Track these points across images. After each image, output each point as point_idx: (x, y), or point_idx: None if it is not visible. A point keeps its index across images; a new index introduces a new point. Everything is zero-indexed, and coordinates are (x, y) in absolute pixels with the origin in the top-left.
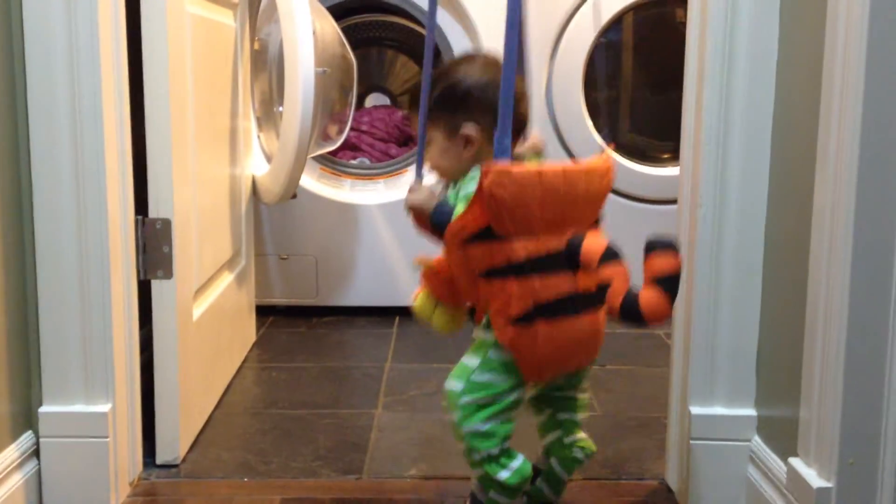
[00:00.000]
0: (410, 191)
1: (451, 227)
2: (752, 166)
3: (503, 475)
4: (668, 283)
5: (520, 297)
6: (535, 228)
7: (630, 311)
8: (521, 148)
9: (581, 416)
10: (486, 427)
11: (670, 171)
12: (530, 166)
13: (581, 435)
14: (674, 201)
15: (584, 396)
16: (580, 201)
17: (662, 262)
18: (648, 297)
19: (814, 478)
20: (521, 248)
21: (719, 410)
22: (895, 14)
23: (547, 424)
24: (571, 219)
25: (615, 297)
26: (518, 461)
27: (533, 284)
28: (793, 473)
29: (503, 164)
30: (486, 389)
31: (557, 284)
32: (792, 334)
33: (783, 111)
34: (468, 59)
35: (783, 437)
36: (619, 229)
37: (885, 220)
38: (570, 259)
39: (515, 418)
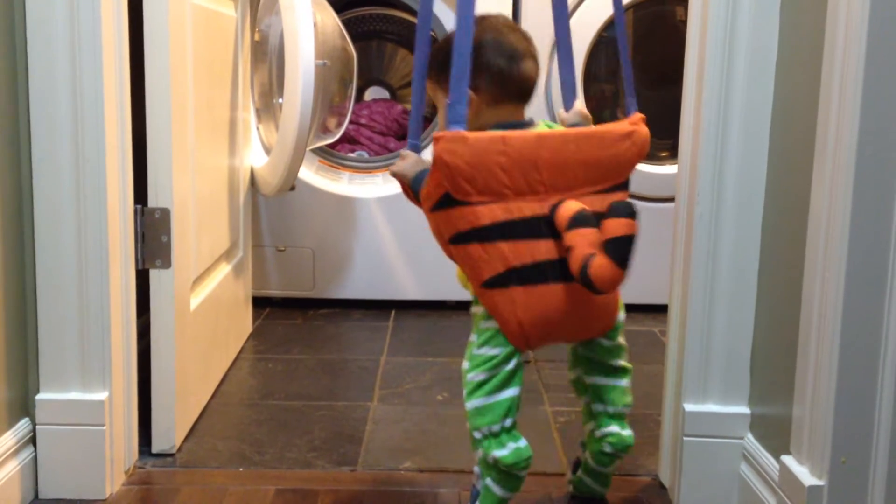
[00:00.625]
0: (400, 158)
1: (421, 194)
2: (750, 166)
3: (499, 452)
4: (616, 246)
5: (487, 262)
6: (504, 193)
7: (584, 277)
8: (566, 115)
9: (616, 408)
10: (486, 402)
11: (668, 168)
12: (502, 132)
13: (612, 428)
14: (672, 199)
15: (621, 384)
16: (570, 166)
17: (613, 226)
18: (598, 263)
19: (806, 476)
20: (486, 214)
21: (713, 408)
22: (894, 14)
23: (585, 414)
24: (558, 184)
25: (574, 262)
26: (519, 443)
27: (501, 249)
28: (785, 471)
29: (456, 132)
30: (485, 363)
31: (532, 250)
32: (786, 333)
33: (782, 111)
34: (476, 20)
35: (776, 434)
36: None
37: (881, 220)
38: (551, 225)
39: (518, 388)
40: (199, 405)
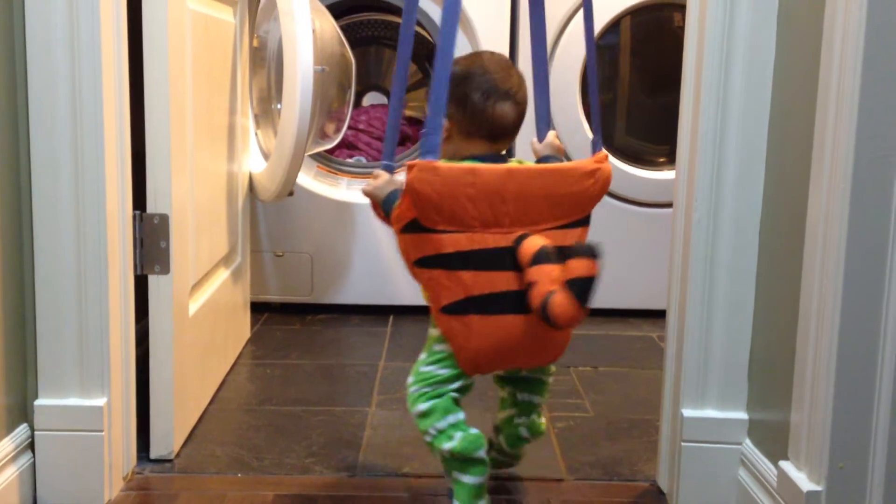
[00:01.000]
0: (373, 177)
1: (392, 215)
2: (748, 172)
3: (448, 445)
4: (578, 286)
5: (447, 289)
6: (470, 223)
7: (544, 313)
8: (539, 146)
9: (541, 399)
10: (428, 406)
11: (666, 174)
12: (471, 164)
13: (532, 417)
14: (669, 205)
15: (548, 380)
16: (535, 201)
17: (576, 266)
18: (559, 300)
19: (804, 481)
20: (450, 242)
21: (711, 413)
22: (891, 22)
23: (505, 402)
24: (523, 218)
25: (536, 298)
26: (468, 430)
27: (462, 278)
28: (783, 477)
29: (429, 161)
30: (429, 379)
31: (492, 281)
32: (784, 339)
33: (779, 117)
34: (469, 54)
35: (774, 440)
36: (615, 232)
37: (878, 226)
38: (514, 257)
39: (460, 401)
40: (197, 410)
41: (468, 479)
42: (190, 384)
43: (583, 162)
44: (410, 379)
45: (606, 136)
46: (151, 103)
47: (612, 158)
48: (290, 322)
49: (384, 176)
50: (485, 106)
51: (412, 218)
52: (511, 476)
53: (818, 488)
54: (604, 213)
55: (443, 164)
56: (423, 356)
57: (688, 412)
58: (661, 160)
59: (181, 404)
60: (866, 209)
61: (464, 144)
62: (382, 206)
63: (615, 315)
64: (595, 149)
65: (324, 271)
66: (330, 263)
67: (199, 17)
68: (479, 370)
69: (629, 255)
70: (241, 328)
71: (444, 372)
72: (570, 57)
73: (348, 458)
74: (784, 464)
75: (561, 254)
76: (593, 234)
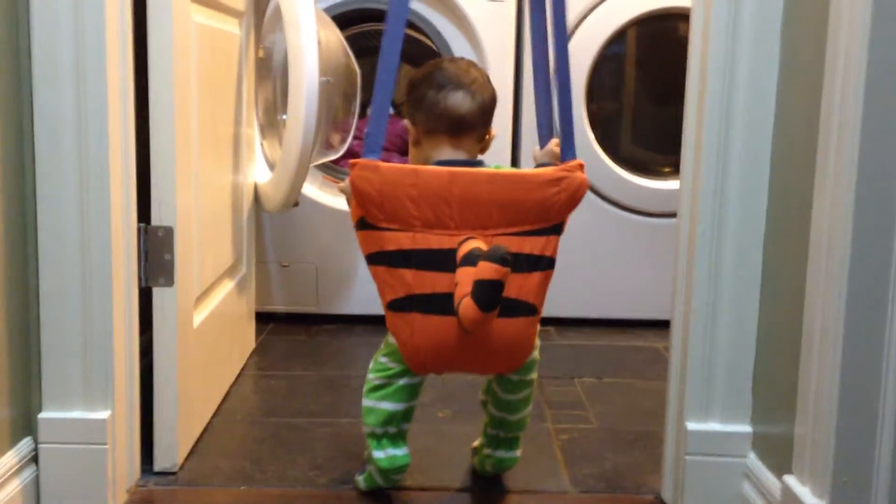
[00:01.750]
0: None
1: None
2: (752, 183)
3: (377, 454)
4: (480, 289)
5: (390, 286)
6: (411, 223)
7: (457, 315)
8: (539, 153)
9: (507, 434)
10: (374, 405)
11: (672, 184)
12: (416, 166)
13: (499, 453)
14: (674, 215)
15: (519, 415)
16: (482, 205)
17: (482, 269)
18: (465, 303)
19: (808, 496)
20: (392, 240)
21: (715, 426)
22: (894, 32)
23: (482, 429)
24: (470, 221)
25: (455, 298)
26: (397, 451)
27: (404, 276)
28: (787, 491)
29: (370, 160)
30: (383, 371)
31: (434, 281)
32: (788, 352)
33: (783, 128)
34: (430, 62)
35: (778, 454)
36: (620, 242)
37: (882, 239)
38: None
39: (407, 405)
40: (201, 423)
41: (379, 480)
42: (194, 396)
43: (547, 169)
44: (371, 364)
45: (612, 146)
46: (156, 116)
47: (617, 168)
48: (296, 332)
49: None
50: (437, 98)
51: (361, 215)
52: (514, 489)
53: (822, 503)
54: (609, 223)
55: (385, 163)
56: (382, 346)
57: (692, 425)
58: (667, 170)
59: (185, 417)
60: (870, 221)
61: (431, 149)
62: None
63: (620, 325)
64: (565, 157)
65: (329, 281)
66: (335, 274)
67: (204, 29)
68: (426, 369)
69: (635, 265)
70: (246, 339)
71: (394, 366)
72: (574, 66)
73: (353, 471)
74: (788, 478)
75: (526, 259)
76: (599, 244)
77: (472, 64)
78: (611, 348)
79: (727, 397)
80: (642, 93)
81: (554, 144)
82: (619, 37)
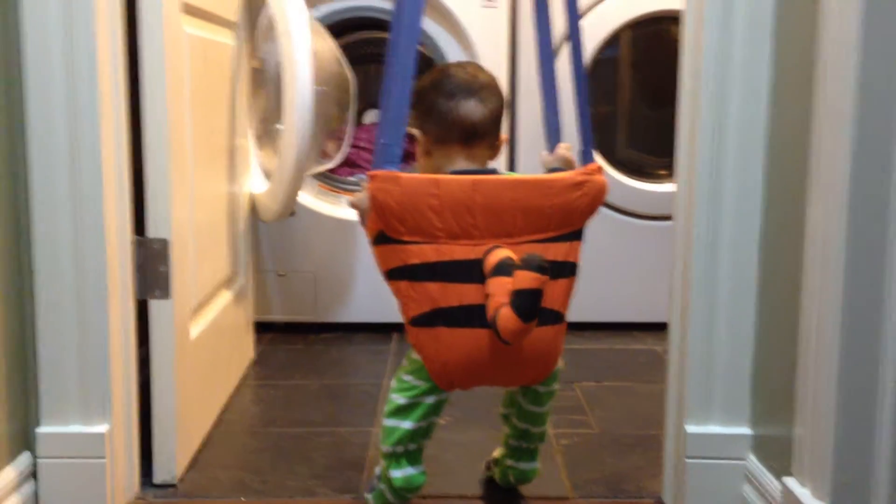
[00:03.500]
0: (362, 189)
1: (366, 228)
2: (747, 185)
3: (393, 473)
4: (517, 299)
5: (415, 300)
6: (435, 235)
7: (494, 327)
8: (549, 157)
9: (529, 445)
10: (398, 425)
11: (668, 187)
12: (436, 175)
13: (522, 464)
14: (671, 217)
15: (542, 428)
16: (507, 213)
17: (520, 278)
18: (504, 314)
19: (808, 497)
20: (416, 253)
21: (715, 429)
22: (885, 38)
23: (503, 440)
24: (495, 230)
25: (489, 310)
26: (415, 469)
27: (429, 290)
28: (787, 493)
29: (389, 171)
30: (408, 390)
31: (460, 293)
32: (787, 353)
33: (777, 131)
34: (436, 68)
35: (778, 456)
36: (617, 245)
37: (877, 240)
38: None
39: (429, 422)
40: (200, 434)
41: (391, 498)
42: (193, 408)
43: (568, 173)
44: (393, 384)
45: (608, 149)
46: (150, 129)
47: (613, 171)
48: (294, 342)
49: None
50: (449, 107)
51: (379, 229)
52: (515, 495)
53: None
54: (606, 226)
55: (405, 174)
56: (404, 362)
57: (691, 428)
58: (663, 173)
59: (184, 429)
60: (865, 221)
61: (440, 155)
62: (364, 219)
63: (618, 329)
64: (584, 160)
65: (327, 290)
66: (333, 282)
67: (196, 40)
68: (455, 385)
69: (632, 268)
70: (245, 349)
71: (420, 384)
72: (570, 70)
73: (352, 480)
74: (788, 480)
75: (553, 266)
76: (596, 247)
77: (479, 68)
78: (609, 352)
79: (726, 400)
80: (637, 96)
81: (564, 148)
82: (612, 40)
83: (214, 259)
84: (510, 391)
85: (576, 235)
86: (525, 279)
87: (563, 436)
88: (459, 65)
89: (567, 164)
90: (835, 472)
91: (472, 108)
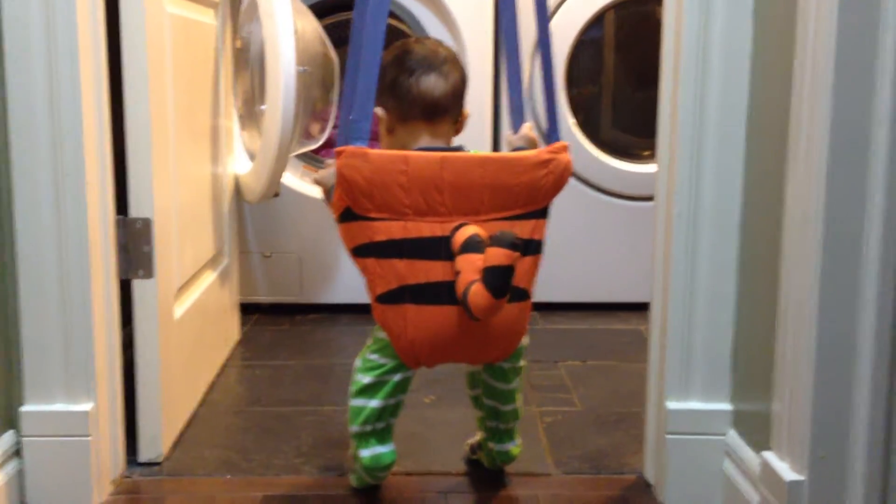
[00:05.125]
0: (324, 166)
1: (331, 205)
2: (727, 165)
3: (362, 453)
4: (492, 275)
5: (381, 277)
6: (402, 211)
7: (464, 303)
8: (513, 137)
9: (506, 425)
10: (366, 404)
11: (651, 168)
12: (404, 152)
13: (502, 446)
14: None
15: (514, 405)
16: (474, 190)
17: (492, 255)
18: (474, 290)
19: (786, 471)
20: (383, 230)
21: (695, 405)
22: (862, 17)
23: (479, 424)
24: (462, 207)
25: (458, 286)
26: (384, 448)
27: (396, 266)
28: (766, 467)
29: (358, 147)
30: (374, 369)
31: (427, 270)
32: (766, 330)
33: (757, 111)
34: (397, 43)
35: (757, 431)
36: (601, 226)
37: (854, 217)
38: (451, 247)
39: (396, 399)
40: (185, 413)
41: (366, 477)
42: (177, 387)
43: (534, 151)
44: (358, 363)
45: (592, 130)
46: (131, 107)
47: (597, 152)
48: (280, 323)
49: (333, 165)
50: (410, 83)
51: (345, 206)
52: (499, 471)
53: (800, 478)
54: (591, 207)
55: (373, 150)
56: (369, 341)
57: (672, 404)
58: (647, 153)
59: (169, 408)
60: (842, 200)
61: (404, 132)
62: (329, 197)
63: (602, 309)
64: (550, 139)
65: (312, 271)
66: (318, 263)
67: (178, 20)
68: (421, 362)
69: (616, 248)
70: (230, 330)
71: (386, 361)
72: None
73: (337, 458)
74: (767, 454)
75: (525, 244)
76: (581, 228)
77: (439, 43)
78: (594, 331)
79: (706, 376)
80: (621, 76)
81: (528, 128)
82: (596, 21)
83: (198, 239)
84: (473, 371)
85: (541, 213)
86: (497, 256)
87: (547, 414)
88: (419, 40)
89: (531, 144)
90: (813, 446)
91: (433, 84)
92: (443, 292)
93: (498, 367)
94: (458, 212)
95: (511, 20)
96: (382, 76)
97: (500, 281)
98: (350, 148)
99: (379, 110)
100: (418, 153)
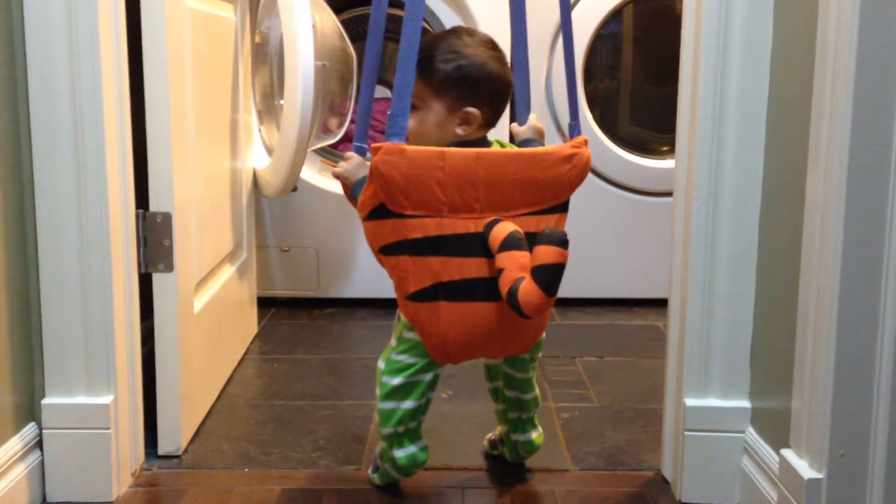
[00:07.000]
0: (345, 160)
1: (358, 201)
2: (746, 160)
3: (397, 453)
4: (542, 274)
5: (416, 275)
6: (438, 208)
7: (512, 300)
8: (520, 128)
9: (528, 414)
10: (392, 405)
11: (670, 163)
12: (441, 148)
13: (526, 436)
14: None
15: (534, 393)
16: (507, 186)
17: (544, 253)
18: (525, 288)
19: (805, 469)
20: (418, 227)
21: (714, 402)
22: (884, 9)
23: (500, 417)
24: (495, 203)
25: (503, 284)
26: (415, 446)
27: (431, 264)
28: (785, 464)
29: (395, 143)
30: (404, 370)
31: (462, 267)
32: (785, 327)
33: (777, 105)
34: (472, 39)
35: (776, 428)
36: (619, 221)
37: (875, 213)
38: (485, 244)
39: (426, 398)
40: (204, 407)
41: (396, 475)
42: (196, 380)
43: (559, 147)
44: (382, 365)
45: (610, 125)
46: (152, 102)
47: (616, 148)
48: (297, 317)
49: (356, 159)
50: (504, 97)
51: (377, 204)
52: (516, 466)
53: (819, 476)
54: (609, 203)
55: (410, 147)
56: (393, 342)
57: (690, 401)
58: (665, 149)
59: (188, 401)
60: (863, 196)
61: (478, 132)
62: (352, 190)
63: (620, 304)
64: (573, 133)
65: (330, 265)
66: (336, 257)
67: (198, 14)
68: (450, 359)
69: (634, 244)
70: (248, 324)
71: (415, 361)
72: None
73: (354, 452)
74: (786, 451)
75: (533, 239)
76: (599, 224)
77: (478, 33)
78: (612, 327)
79: (725, 373)
80: (640, 71)
81: (535, 119)
82: (615, 15)
83: (217, 234)
84: (490, 364)
85: (563, 207)
86: (549, 254)
87: (564, 409)
88: (455, 34)
89: (539, 135)
90: (832, 444)
91: (506, 73)
92: (477, 288)
93: (520, 359)
94: (491, 208)
95: (519, 8)
96: (490, 85)
97: (552, 278)
98: (387, 144)
99: (471, 111)
100: (454, 149)
